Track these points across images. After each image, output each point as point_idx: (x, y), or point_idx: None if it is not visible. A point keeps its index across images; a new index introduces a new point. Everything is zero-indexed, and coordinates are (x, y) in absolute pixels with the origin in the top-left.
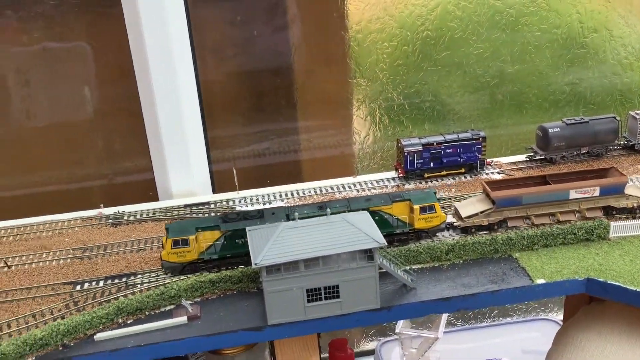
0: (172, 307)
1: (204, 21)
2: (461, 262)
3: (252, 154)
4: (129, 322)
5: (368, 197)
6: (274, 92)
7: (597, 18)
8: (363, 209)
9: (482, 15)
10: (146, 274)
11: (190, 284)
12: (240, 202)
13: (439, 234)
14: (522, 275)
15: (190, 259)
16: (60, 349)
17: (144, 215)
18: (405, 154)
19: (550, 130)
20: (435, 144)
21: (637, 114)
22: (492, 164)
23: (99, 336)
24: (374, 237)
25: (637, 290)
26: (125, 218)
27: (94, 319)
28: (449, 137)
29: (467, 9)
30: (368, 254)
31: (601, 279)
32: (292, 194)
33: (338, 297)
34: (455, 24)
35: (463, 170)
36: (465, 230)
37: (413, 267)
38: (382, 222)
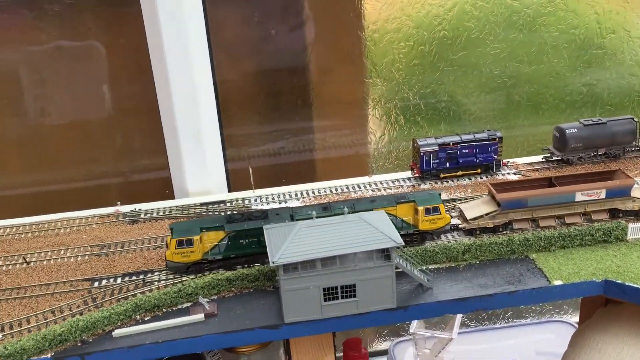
0: (189, 304)
1: (221, 20)
2: (477, 262)
3: (267, 153)
4: (146, 319)
5: (373, 198)
6: (289, 91)
7: (615, 19)
8: (367, 211)
9: (499, 15)
10: (163, 272)
11: (207, 281)
12: (255, 200)
13: (448, 235)
14: (539, 276)
15: (195, 259)
16: (79, 344)
17: (161, 213)
18: (422, 154)
19: (567, 131)
20: (451, 144)
21: None
22: (509, 164)
23: (117, 332)
24: (391, 236)
25: None
26: (142, 216)
27: (112, 315)
28: (465, 137)
29: (484, 9)
30: (385, 254)
31: (619, 281)
32: (307, 193)
33: (354, 296)
34: (472, 24)
35: (479, 170)
36: (469, 232)
37: (429, 267)
38: None
